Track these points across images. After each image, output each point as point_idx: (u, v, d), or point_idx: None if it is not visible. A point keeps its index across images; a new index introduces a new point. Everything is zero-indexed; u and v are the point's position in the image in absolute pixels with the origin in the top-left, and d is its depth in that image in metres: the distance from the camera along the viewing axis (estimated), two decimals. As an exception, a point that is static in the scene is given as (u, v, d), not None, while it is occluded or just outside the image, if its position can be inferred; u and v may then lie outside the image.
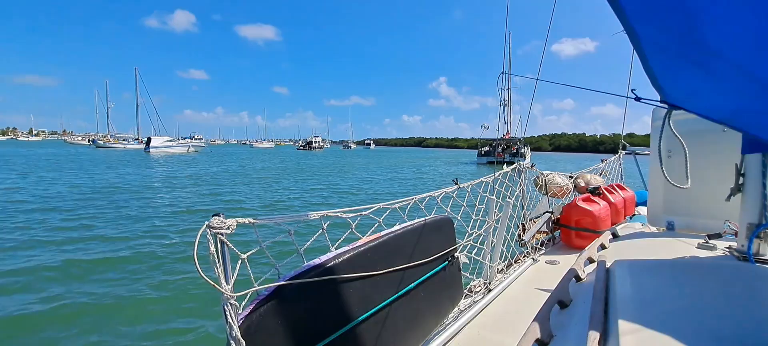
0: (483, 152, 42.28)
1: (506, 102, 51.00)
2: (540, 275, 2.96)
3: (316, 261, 1.33)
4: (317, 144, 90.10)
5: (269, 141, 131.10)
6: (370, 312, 1.43)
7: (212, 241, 1.09)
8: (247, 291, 1.16)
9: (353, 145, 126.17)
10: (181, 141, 58.64)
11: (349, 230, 1.56)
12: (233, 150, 76.33)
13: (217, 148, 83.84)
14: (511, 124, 50.15)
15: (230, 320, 1.09)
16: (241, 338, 1.09)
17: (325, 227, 1.44)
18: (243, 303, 1.16)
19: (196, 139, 75.26)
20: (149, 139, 52.23)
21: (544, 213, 3.85)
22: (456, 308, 2.11)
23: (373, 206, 1.58)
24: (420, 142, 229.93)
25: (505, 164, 3.02)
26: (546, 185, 3.96)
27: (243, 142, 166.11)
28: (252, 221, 1.22)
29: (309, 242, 1.44)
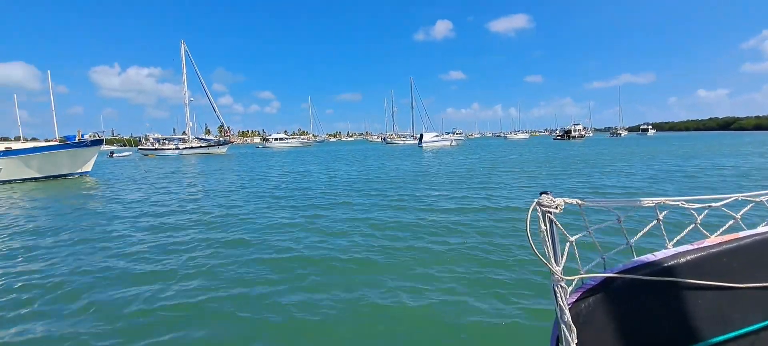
0: None
1: None
2: None
3: (650, 257, 1.17)
4: (577, 132, 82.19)
5: (523, 132, 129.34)
6: (727, 336, 1.15)
7: (542, 219, 1.08)
8: (575, 276, 1.12)
9: (623, 132, 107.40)
10: (445, 136, 66.74)
11: (693, 225, 1.32)
12: (488, 142, 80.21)
13: (474, 141, 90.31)
14: None
15: (561, 303, 1.06)
16: (572, 324, 1.05)
17: (660, 217, 1.27)
18: (570, 289, 1.11)
19: (457, 133, 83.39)
20: (421, 136, 62.10)
21: None
22: None
23: (728, 196, 1.30)
24: (727, 124, 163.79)
25: None
26: None
27: (497, 134, 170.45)
28: (580, 202, 1.17)
29: (640, 234, 1.29)
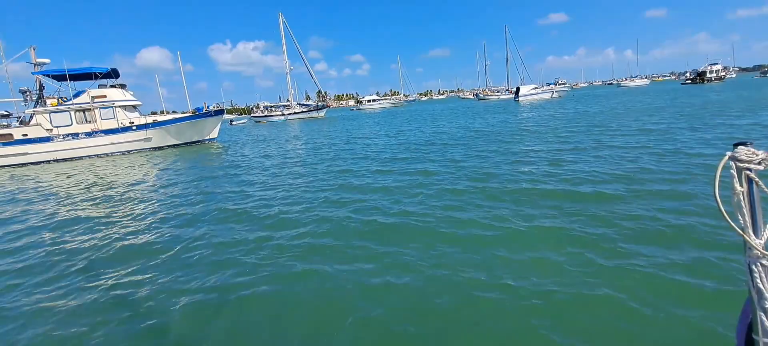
0: None
1: None
2: None
3: None
4: (714, 74, 68.30)
5: (642, 78, 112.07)
6: None
7: (737, 177, 0.89)
8: None
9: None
10: (545, 87, 61.66)
11: None
12: (597, 92, 71.74)
13: (580, 92, 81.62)
14: None
15: (760, 285, 0.87)
16: None
17: None
18: None
19: (559, 84, 76.26)
20: (518, 89, 58.16)
21: None
22: None
23: None
24: None
25: None
26: None
27: (608, 82, 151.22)
28: None
29: None
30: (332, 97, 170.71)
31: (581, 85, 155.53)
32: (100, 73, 24.29)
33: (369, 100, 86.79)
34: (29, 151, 21.48)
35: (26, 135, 21.49)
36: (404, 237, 5.13)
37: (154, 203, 8.59)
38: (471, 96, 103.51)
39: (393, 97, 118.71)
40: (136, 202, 8.98)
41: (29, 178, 15.49)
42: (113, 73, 24.83)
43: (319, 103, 64.10)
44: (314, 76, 60.21)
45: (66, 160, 21.77)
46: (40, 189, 12.18)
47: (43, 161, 21.55)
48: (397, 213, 6.23)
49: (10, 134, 21.40)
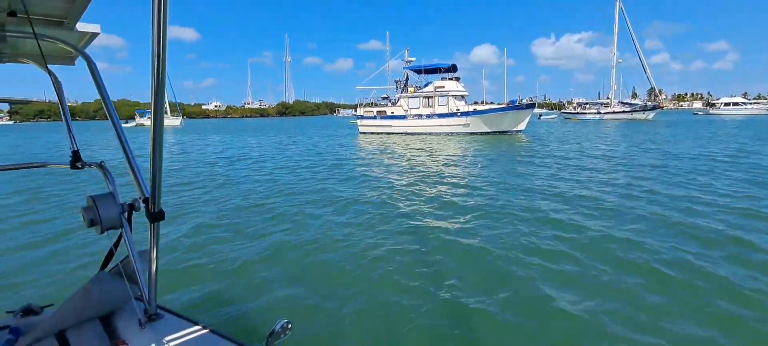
0: None
1: None
2: None
3: None
4: None
5: None
6: None
7: None
8: None
9: None
10: None
11: None
12: None
13: None
14: None
15: None
16: None
17: None
18: None
19: None
20: None
21: None
22: None
23: None
24: None
25: None
26: None
27: None
28: None
29: None
30: (669, 97, 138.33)
31: None
32: (443, 69, 30.52)
33: (727, 103, 65.45)
34: (393, 125, 30.27)
35: (393, 113, 30.36)
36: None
37: (461, 175, 10.81)
38: None
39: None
40: (451, 168, 11.62)
41: (391, 142, 22.19)
42: (452, 69, 30.62)
43: (649, 103, 54.28)
44: (648, 70, 51.23)
45: (411, 134, 29.18)
46: (400, 149, 17.39)
47: (399, 133, 29.80)
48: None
49: (384, 111, 30.85)
